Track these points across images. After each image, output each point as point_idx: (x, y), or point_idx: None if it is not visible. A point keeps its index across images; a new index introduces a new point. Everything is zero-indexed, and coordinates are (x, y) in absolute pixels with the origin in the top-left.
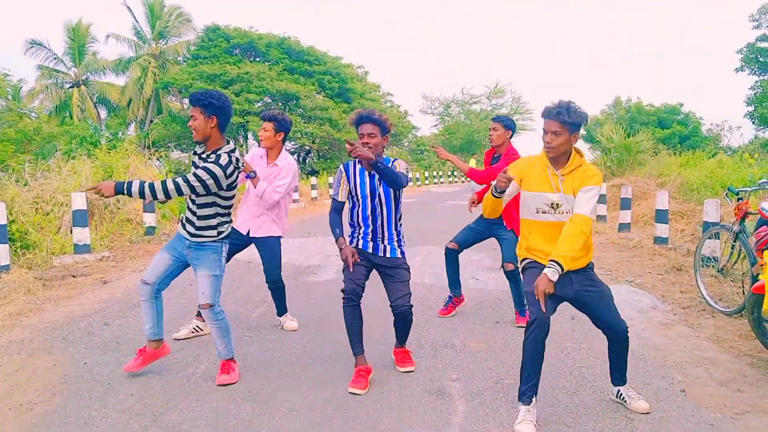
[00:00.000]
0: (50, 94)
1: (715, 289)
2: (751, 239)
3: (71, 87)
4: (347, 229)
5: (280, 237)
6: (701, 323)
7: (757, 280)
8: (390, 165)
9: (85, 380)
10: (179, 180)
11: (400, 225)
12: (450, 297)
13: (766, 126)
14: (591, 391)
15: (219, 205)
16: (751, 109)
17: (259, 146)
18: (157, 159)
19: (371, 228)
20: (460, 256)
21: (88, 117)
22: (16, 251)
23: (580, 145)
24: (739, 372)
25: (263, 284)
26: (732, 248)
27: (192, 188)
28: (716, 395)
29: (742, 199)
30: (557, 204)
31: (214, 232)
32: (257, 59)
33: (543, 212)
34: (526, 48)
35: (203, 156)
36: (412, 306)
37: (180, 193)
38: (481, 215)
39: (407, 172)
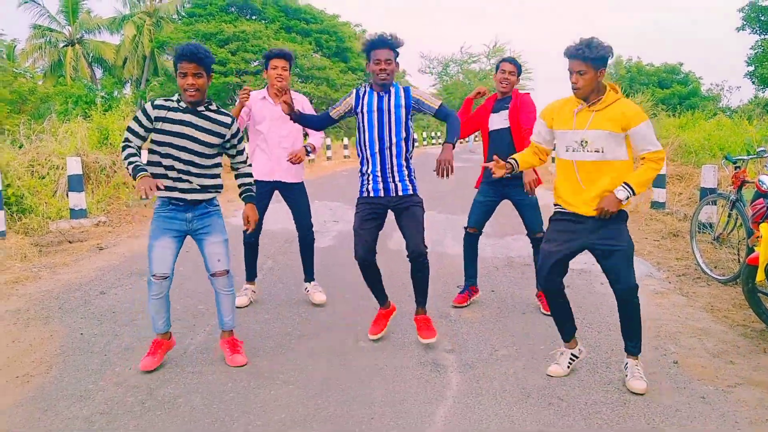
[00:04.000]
0: (44, 53)
1: (711, 255)
2: (748, 209)
3: (65, 46)
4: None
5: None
6: (696, 292)
7: (753, 252)
8: (406, 99)
9: (82, 352)
10: (245, 152)
11: (411, 158)
12: (467, 285)
13: (767, 86)
14: (585, 362)
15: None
16: (751, 69)
17: (266, 88)
18: None
19: (379, 165)
20: (458, 221)
21: (82, 77)
22: (12, 216)
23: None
24: (732, 343)
25: (260, 249)
26: (729, 216)
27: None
28: (709, 367)
29: (739, 167)
30: (585, 141)
31: (221, 189)
32: (254, 17)
33: (573, 150)
34: (524, 6)
35: (203, 112)
36: (427, 250)
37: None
38: (483, 181)
39: (436, 99)
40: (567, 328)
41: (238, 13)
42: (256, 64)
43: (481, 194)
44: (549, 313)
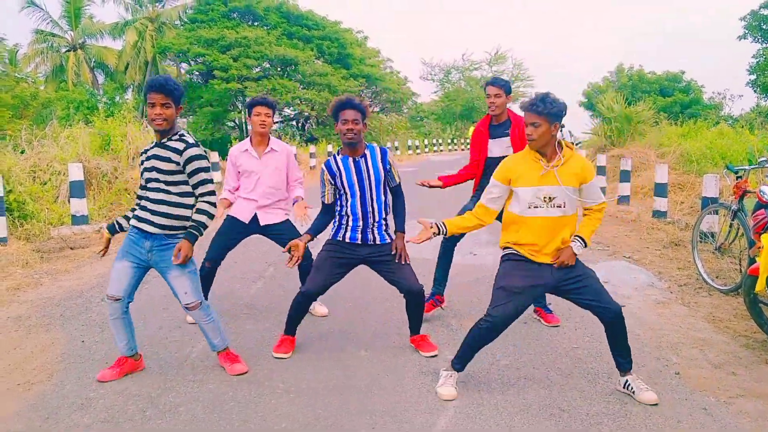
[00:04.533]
0: (46, 58)
1: (713, 265)
2: (749, 219)
3: (67, 51)
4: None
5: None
6: (698, 302)
7: (754, 262)
8: (383, 161)
9: (83, 359)
10: (208, 186)
11: (389, 211)
12: (433, 292)
13: None
14: (585, 372)
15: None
16: (753, 77)
17: (248, 137)
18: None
19: (361, 219)
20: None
21: (84, 82)
22: (13, 222)
23: (582, 112)
24: (733, 354)
25: (260, 260)
26: (730, 226)
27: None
28: (711, 378)
29: (741, 177)
30: (550, 197)
31: (187, 223)
32: (255, 23)
33: (535, 207)
34: (527, 15)
35: (165, 143)
36: (423, 287)
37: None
38: (477, 192)
39: (395, 171)
40: (468, 360)
41: (240, 19)
42: (257, 70)
43: (472, 203)
44: (552, 325)
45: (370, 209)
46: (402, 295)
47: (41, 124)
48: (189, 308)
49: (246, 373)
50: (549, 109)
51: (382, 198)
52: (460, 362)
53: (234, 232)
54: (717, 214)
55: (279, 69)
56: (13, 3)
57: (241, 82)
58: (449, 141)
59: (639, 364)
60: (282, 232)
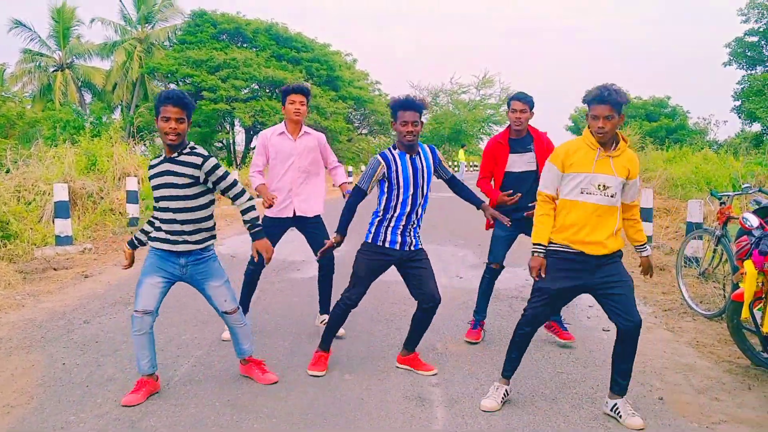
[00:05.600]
0: (33, 77)
1: (697, 290)
2: (733, 245)
3: (55, 71)
4: (353, 221)
5: None
6: (682, 326)
7: (738, 288)
8: (433, 158)
9: (63, 383)
10: (238, 185)
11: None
12: (478, 319)
13: (753, 120)
14: (570, 398)
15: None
16: (738, 103)
17: (283, 123)
18: (143, 145)
19: (405, 218)
20: (444, 252)
21: (71, 102)
22: None
23: (569, 136)
24: (717, 379)
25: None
26: (714, 252)
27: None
28: (694, 404)
29: (724, 203)
30: (605, 185)
31: (214, 231)
32: (244, 45)
33: (588, 193)
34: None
35: (177, 158)
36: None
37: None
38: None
39: (446, 164)
40: (516, 364)
41: (229, 40)
42: (246, 91)
43: (499, 228)
44: (565, 341)
45: (416, 208)
46: (418, 305)
47: (27, 143)
48: (228, 314)
49: (276, 382)
50: (622, 99)
51: (428, 196)
52: (511, 370)
53: (275, 229)
54: (701, 239)
55: (267, 90)
56: (0, 23)
57: (229, 103)
58: (449, 160)
59: None
60: (317, 231)
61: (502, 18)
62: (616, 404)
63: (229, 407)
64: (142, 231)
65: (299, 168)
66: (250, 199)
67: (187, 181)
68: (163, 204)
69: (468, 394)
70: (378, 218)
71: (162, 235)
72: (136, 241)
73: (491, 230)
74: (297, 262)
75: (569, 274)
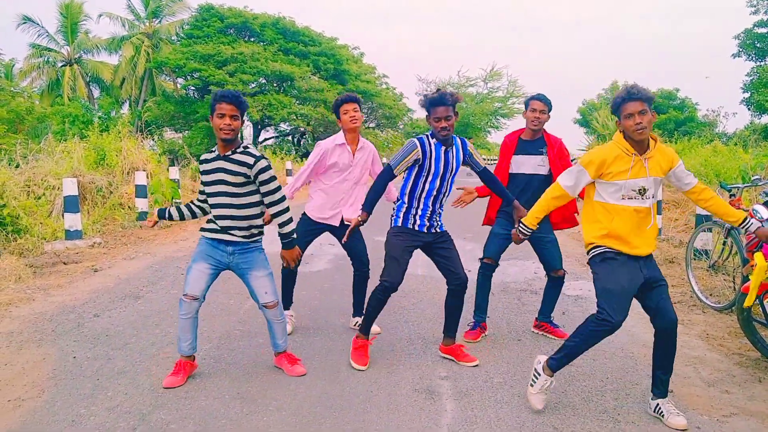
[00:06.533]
0: (41, 72)
1: (706, 283)
2: (743, 237)
3: (63, 66)
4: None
5: None
6: (691, 319)
7: (748, 280)
8: (464, 150)
9: (74, 376)
10: (282, 191)
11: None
12: (477, 320)
13: (762, 112)
14: (579, 390)
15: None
16: (747, 95)
17: (341, 133)
18: (152, 139)
19: (431, 204)
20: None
21: (79, 97)
22: (6, 236)
23: (577, 129)
24: (727, 372)
25: None
26: (723, 244)
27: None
28: (704, 396)
29: (734, 195)
30: (644, 188)
31: (263, 229)
32: (252, 39)
33: (629, 198)
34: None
35: (231, 156)
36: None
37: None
38: (503, 214)
39: (477, 158)
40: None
41: (236, 35)
42: (253, 86)
43: (498, 226)
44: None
45: (442, 195)
46: (448, 290)
47: (36, 138)
48: (267, 307)
49: (305, 374)
50: (650, 95)
51: (453, 188)
52: (558, 364)
53: (314, 230)
54: (711, 231)
55: (275, 84)
56: (9, 18)
57: None
58: None
59: (633, 382)
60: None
61: (508, 13)
62: (658, 404)
63: (239, 400)
64: (178, 209)
65: (353, 180)
66: (287, 211)
67: (240, 180)
68: (214, 200)
69: (476, 387)
70: (405, 206)
71: (213, 225)
72: (167, 213)
73: (489, 226)
74: (306, 256)
75: (630, 272)
